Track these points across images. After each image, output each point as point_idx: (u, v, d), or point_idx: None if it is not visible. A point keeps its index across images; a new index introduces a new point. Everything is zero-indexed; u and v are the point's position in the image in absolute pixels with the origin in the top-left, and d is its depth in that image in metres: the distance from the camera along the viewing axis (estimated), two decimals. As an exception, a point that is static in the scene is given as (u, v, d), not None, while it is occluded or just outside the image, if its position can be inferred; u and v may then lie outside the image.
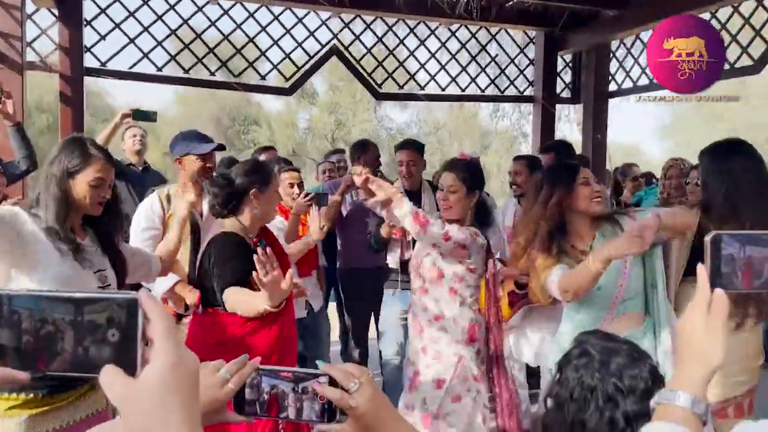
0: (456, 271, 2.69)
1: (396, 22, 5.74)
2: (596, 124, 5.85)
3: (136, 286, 2.61)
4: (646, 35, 5.57)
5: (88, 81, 4.74)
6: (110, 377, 0.59)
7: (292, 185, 3.77)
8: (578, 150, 7.12)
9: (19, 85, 4.19)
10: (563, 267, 2.30)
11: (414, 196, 3.87)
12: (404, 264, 3.61)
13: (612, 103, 6.06)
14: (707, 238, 0.90)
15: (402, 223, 2.49)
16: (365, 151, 4.30)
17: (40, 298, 0.60)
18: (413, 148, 4.03)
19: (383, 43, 5.67)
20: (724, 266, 0.90)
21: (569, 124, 9.55)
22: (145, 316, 0.60)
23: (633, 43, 5.76)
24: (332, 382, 0.94)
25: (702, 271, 0.91)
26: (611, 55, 5.92)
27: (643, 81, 5.59)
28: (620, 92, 5.92)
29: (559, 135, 6.34)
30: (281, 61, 5.27)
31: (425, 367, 2.73)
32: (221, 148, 3.18)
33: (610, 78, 5.91)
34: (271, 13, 5.14)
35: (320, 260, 4.05)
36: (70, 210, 2.03)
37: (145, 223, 3.05)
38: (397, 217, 2.47)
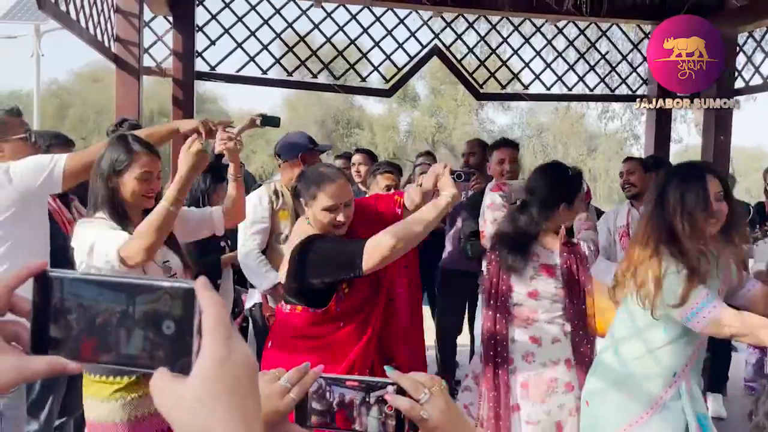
0: None
1: (500, 20, 5.56)
2: (719, 125, 5.36)
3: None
4: (779, 27, 5.07)
5: (206, 87, 4.98)
6: (159, 383, 0.52)
7: (388, 188, 3.73)
8: (697, 155, 6.62)
9: (136, 88, 4.44)
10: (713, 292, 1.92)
11: None
12: None
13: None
14: None
15: None
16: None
17: (93, 282, 0.55)
18: (514, 146, 3.85)
19: (486, 42, 5.51)
20: None
21: (686, 125, 8.91)
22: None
23: (763, 36, 5.25)
24: (401, 392, 0.86)
25: None
26: (738, 49, 5.42)
27: (776, 77, 5.09)
28: (748, 89, 5.41)
29: (674, 137, 6.00)
30: (382, 62, 5.26)
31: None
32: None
33: (736, 74, 5.41)
34: (373, 14, 5.13)
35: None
36: (122, 207, 2.06)
37: (253, 217, 3.09)
38: None
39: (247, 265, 3.14)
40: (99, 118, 15.44)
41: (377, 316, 2.27)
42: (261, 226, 3.12)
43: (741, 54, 5.43)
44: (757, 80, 5.27)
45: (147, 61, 4.69)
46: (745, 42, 5.39)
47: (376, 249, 2.00)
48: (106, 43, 4.34)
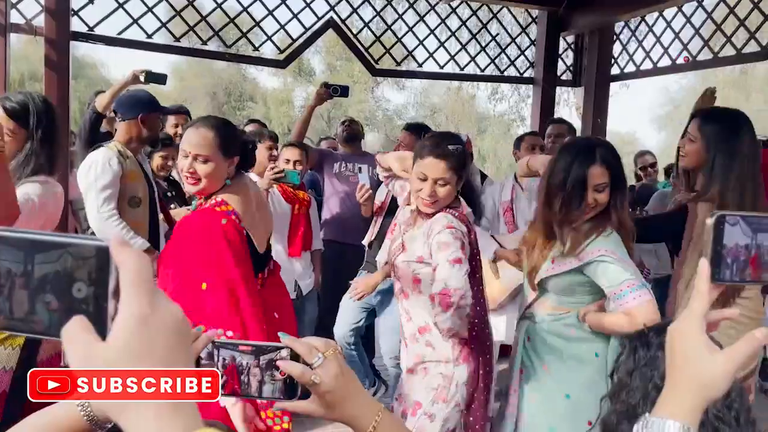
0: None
1: (396, -4, 5.58)
2: (597, 109, 5.73)
3: None
4: (651, 18, 5.45)
5: (85, 52, 4.60)
6: (72, 337, 0.47)
7: (288, 161, 3.72)
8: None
9: (2, 47, 4.04)
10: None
11: None
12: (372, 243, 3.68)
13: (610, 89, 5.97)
14: (709, 221, 0.72)
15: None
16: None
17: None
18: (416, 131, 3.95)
19: (381, 18, 5.51)
20: (729, 255, 0.72)
21: (568, 108, 9.46)
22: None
23: (638, 26, 5.63)
24: (295, 357, 0.87)
25: (704, 267, 0.72)
26: (615, 37, 5.79)
27: (647, 65, 5.47)
28: (623, 76, 5.79)
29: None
30: (275, 32, 5.11)
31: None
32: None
33: (612, 61, 5.78)
34: (267, -19, 4.97)
35: (318, 242, 3.91)
36: None
37: (104, 181, 2.93)
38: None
39: (109, 232, 2.92)
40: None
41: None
42: (114, 190, 2.95)
43: (617, 42, 5.81)
44: (630, 67, 5.65)
45: (15, 17, 4.26)
46: (621, 31, 5.76)
47: None
48: (-35, -5, 3.90)
